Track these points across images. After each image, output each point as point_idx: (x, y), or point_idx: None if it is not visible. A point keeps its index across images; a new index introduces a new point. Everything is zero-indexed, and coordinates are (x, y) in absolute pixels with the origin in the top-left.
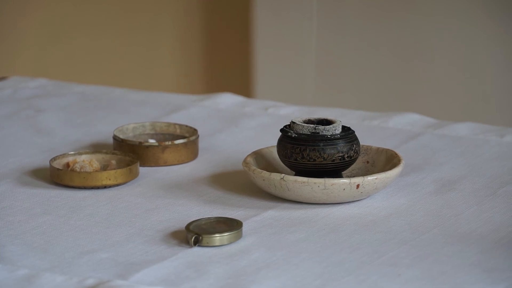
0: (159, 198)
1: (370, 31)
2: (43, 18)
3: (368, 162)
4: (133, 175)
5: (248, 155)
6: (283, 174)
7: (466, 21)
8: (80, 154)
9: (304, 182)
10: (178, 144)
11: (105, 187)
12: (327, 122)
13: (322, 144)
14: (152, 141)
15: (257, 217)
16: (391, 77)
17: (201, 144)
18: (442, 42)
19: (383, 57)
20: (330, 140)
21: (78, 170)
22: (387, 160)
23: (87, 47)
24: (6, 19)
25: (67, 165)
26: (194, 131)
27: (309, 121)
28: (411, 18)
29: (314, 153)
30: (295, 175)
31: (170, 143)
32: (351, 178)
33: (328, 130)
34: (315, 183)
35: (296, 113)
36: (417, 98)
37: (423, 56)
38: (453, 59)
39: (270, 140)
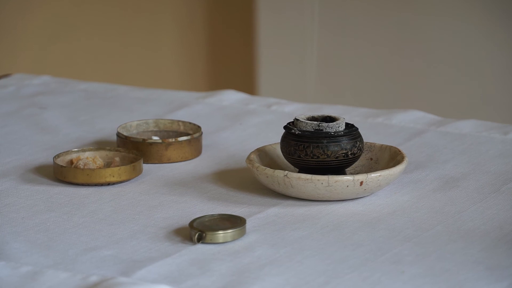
0: (162, 195)
1: (371, 31)
2: (44, 17)
3: (371, 159)
4: (137, 172)
5: (251, 152)
6: (286, 171)
7: (466, 21)
8: (84, 151)
9: (307, 179)
10: (181, 141)
11: (108, 184)
12: (330, 119)
13: (325, 141)
14: (155, 138)
15: (260, 214)
16: (392, 76)
17: (205, 141)
18: (442, 42)
19: (384, 57)
20: (333, 137)
21: (81, 167)
22: (391, 157)
23: (89, 46)
24: (7, 18)
25: (71, 162)
26: (197, 128)
27: (312, 118)
28: (411, 18)
29: (317, 150)
30: (299, 172)
31: (173, 140)
32: (354, 175)
33: (331, 127)
34: (318, 180)
35: (300, 110)
36: (417, 98)
37: (423, 56)
38: (453, 58)
39: (273, 137)
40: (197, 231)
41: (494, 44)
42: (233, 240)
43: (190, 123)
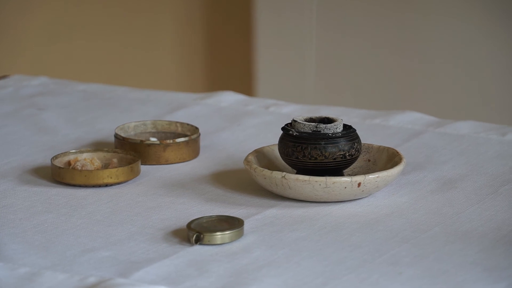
0: (160, 197)
1: (370, 31)
2: (44, 17)
3: (369, 160)
4: (135, 174)
5: (249, 154)
6: (284, 173)
7: (466, 21)
8: (82, 152)
9: (305, 180)
10: (179, 143)
11: (106, 185)
12: (328, 120)
13: (323, 142)
14: (153, 139)
15: (258, 216)
16: (391, 76)
17: (203, 142)
18: (442, 42)
19: (383, 57)
20: (331, 138)
21: (79, 168)
22: (389, 158)
23: (88, 47)
24: (7, 18)
25: (69, 163)
26: (195, 130)
27: (310, 120)
28: (411, 18)
29: (315, 151)
30: (297, 173)
31: (171, 141)
32: (352, 177)
33: (329, 129)
34: (316, 181)
35: (298, 111)
36: (417, 98)
37: (423, 56)
38: (453, 58)
39: (271, 139)
40: (195, 233)
41: (494, 44)
42: (231, 241)
43: (188, 124)
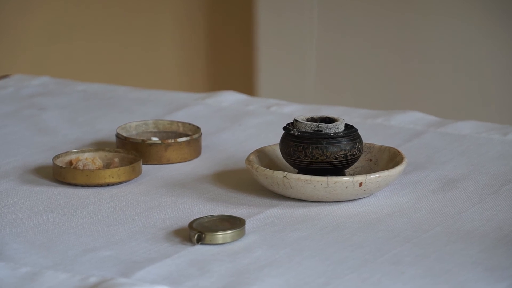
0: (162, 196)
1: (371, 31)
2: (44, 17)
3: (371, 160)
4: (136, 173)
5: (251, 153)
6: (286, 172)
7: (466, 21)
8: (83, 152)
9: (307, 180)
10: (181, 142)
11: (108, 185)
12: (330, 120)
13: (325, 142)
14: (155, 139)
15: (260, 215)
16: (392, 76)
17: (204, 142)
18: (442, 42)
19: (384, 57)
20: (333, 138)
21: (81, 168)
22: (390, 158)
23: (88, 47)
24: (7, 18)
25: (70, 163)
26: (197, 129)
27: (312, 119)
28: (411, 18)
29: (317, 151)
30: (298, 173)
31: (173, 141)
32: (354, 176)
33: (331, 128)
34: (318, 181)
35: (299, 111)
36: (417, 98)
37: (423, 56)
38: (453, 58)
39: (273, 138)
40: (197, 232)
41: (494, 44)
42: (233, 241)
43: (189, 124)
